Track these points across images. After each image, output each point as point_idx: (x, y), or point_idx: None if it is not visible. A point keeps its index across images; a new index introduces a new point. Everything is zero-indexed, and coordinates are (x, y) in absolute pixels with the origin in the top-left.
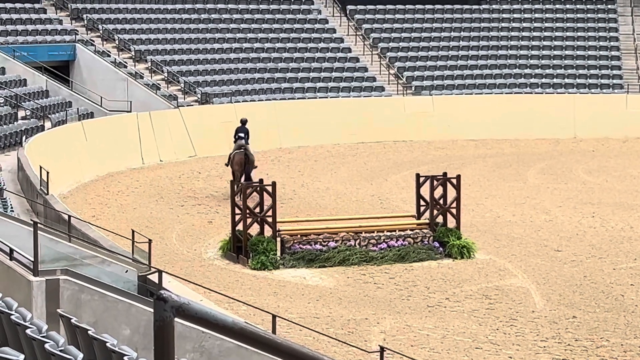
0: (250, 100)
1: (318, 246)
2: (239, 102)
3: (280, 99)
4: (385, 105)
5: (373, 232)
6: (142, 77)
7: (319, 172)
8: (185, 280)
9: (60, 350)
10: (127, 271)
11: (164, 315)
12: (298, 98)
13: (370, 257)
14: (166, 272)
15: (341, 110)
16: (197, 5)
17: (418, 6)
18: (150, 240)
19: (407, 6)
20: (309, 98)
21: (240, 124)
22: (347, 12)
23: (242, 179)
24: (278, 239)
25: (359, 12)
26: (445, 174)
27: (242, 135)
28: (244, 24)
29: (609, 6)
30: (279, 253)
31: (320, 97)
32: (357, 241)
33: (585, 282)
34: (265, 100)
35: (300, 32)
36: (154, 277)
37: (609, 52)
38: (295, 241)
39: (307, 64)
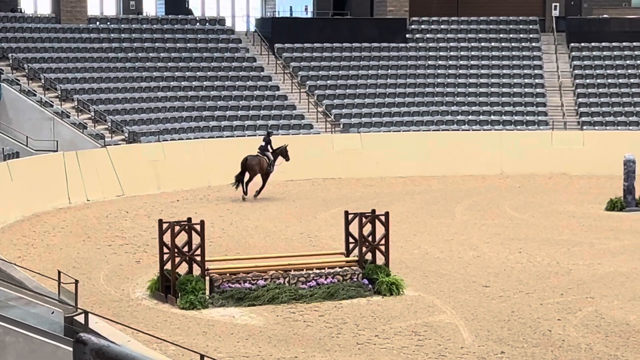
0: (179, 139)
1: (247, 285)
2: (166, 140)
3: (209, 137)
4: (314, 142)
5: (302, 270)
6: (68, 117)
7: (247, 210)
8: (113, 320)
9: None
10: (53, 312)
11: (83, 358)
12: (226, 136)
13: (300, 295)
14: (93, 313)
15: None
16: (124, 44)
17: (345, 44)
18: (76, 280)
19: (334, 44)
20: (237, 136)
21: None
22: (275, 50)
23: (244, 182)
24: (207, 278)
25: (286, 50)
26: (373, 211)
27: (262, 144)
28: (171, 62)
29: (534, 44)
30: (207, 292)
31: (248, 135)
32: (287, 279)
33: (513, 317)
34: (194, 138)
35: (228, 71)
36: (81, 318)
37: (534, 89)
38: (224, 280)
39: (235, 102)
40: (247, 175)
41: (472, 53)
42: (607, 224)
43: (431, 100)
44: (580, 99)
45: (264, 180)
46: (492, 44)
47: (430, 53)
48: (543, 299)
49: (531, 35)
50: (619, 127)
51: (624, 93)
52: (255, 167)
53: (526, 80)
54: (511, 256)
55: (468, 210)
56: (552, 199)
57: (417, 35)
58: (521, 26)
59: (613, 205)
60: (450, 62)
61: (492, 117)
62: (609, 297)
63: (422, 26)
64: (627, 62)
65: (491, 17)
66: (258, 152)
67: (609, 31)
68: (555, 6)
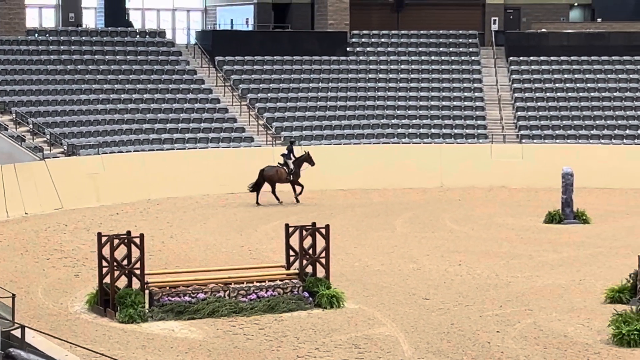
0: (118, 152)
1: (187, 298)
2: (106, 153)
3: (149, 150)
4: (255, 155)
5: (242, 283)
6: (6, 129)
7: (188, 224)
8: (51, 335)
9: None
10: None
11: None
12: (167, 149)
13: (240, 308)
14: (30, 328)
15: (210, 161)
16: (63, 56)
17: (286, 57)
18: (13, 294)
19: (275, 57)
20: (177, 149)
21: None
22: (216, 63)
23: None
24: (146, 292)
25: (227, 63)
26: (314, 224)
27: (285, 152)
28: (111, 74)
29: (473, 58)
30: (147, 305)
31: (189, 148)
32: (227, 292)
33: (453, 329)
34: (134, 151)
35: (169, 83)
36: (18, 333)
37: (473, 102)
38: (163, 293)
39: (175, 114)
40: (267, 186)
41: (412, 67)
42: (545, 237)
43: (372, 113)
44: (519, 113)
45: (293, 186)
46: (432, 57)
47: (371, 66)
48: (482, 311)
49: (471, 49)
50: (557, 141)
51: (562, 107)
52: (273, 177)
53: (466, 94)
54: (451, 269)
55: (408, 223)
56: (491, 212)
57: (358, 49)
58: (461, 40)
59: (551, 218)
60: (390, 76)
61: (432, 131)
62: (547, 309)
63: (363, 39)
64: (565, 76)
65: (431, 31)
66: (278, 163)
67: (547, 45)
68: (495, 20)
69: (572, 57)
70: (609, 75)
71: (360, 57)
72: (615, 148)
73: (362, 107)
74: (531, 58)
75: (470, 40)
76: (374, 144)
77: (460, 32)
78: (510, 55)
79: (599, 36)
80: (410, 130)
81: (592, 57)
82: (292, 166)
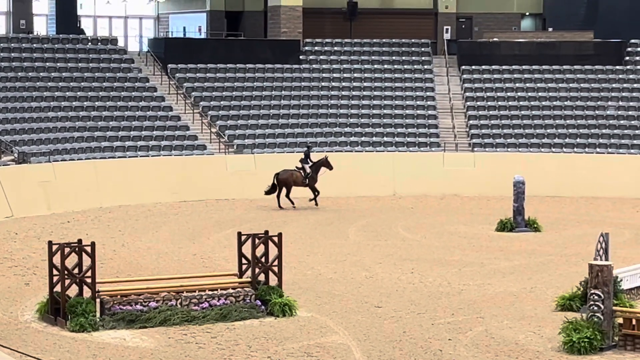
0: (70, 159)
1: (139, 307)
2: (57, 161)
3: (100, 158)
4: (207, 163)
5: (195, 291)
6: None
7: (140, 232)
8: (0, 345)
9: None
10: None
11: None
12: (119, 157)
13: (192, 317)
14: None
15: (162, 169)
16: (14, 63)
17: (239, 65)
18: None
19: (228, 65)
20: (129, 157)
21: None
22: (168, 70)
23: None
24: (97, 300)
25: (179, 71)
26: (266, 232)
27: (302, 157)
28: (62, 82)
29: (426, 67)
30: (98, 314)
31: (141, 156)
32: (179, 301)
33: (405, 337)
34: (85, 159)
35: (121, 91)
36: None
37: (426, 111)
38: (115, 302)
39: (127, 122)
40: (284, 190)
41: (365, 75)
42: (497, 245)
43: (325, 121)
44: (471, 121)
45: (312, 190)
46: (385, 66)
47: (324, 75)
48: (434, 319)
49: (423, 58)
50: (509, 149)
51: (513, 115)
52: (287, 180)
53: (418, 102)
54: (403, 277)
55: (361, 231)
56: (443, 220)
57: (311, 57)
58: (413, 49)
59: (503, 226)
60: (343, 84)
61: (385, 139)
62: (499, 316)
63: (316, 48)
64: (517, 85)
65: (384, 40)
66: (295, 167)
67: (499, 54)
68: (447, 29)
69: (524, 66)
70: (559, 85)
71: (313, 66)
72: (566, 156)
73: (315, 115)
74: (483, 67)
75: (422, 49)
76: (327, 152)
77: (413, 40)
78: (463, 64)
79: (550, 45)
80: (363, 139)
81: (543, 66)
82: (308, 170)
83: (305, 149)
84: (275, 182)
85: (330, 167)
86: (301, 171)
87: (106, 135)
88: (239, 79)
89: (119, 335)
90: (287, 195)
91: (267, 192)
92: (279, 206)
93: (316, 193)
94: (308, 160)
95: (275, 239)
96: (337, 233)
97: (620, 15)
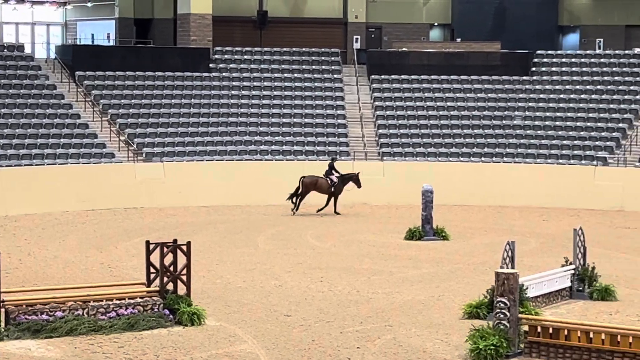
0: None
1: (45, 316)
2: None
3: (6, 166)
4: (116, 171)
5: (102, 300)
6: None
7: (46, 240)
8: None
9: None
10: None
11: None
12: (25, 165)
13: (99, 327)
14: None
15: (70, 177)
16: None
17: (148, 73)
18: None
19: (137, 73)
20: (36, 165)
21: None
22: (76, 78)
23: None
24: (2, 310)
25: (88, 78)
26: (175, 240)
27: (327, 169)
28: None
29: (336, 76)
30: (2, 324)
31: (48, 164)
32: (86, 310)
33: (314, 346)
34: None
35: (27, 98)
36: None
37: (335, 120)
38: (20, 312)
39: (34, 130)
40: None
41: (275, 84)
42: (406, 253)
43: (235, 130)
44: (380, 130)
45: (328, 200)
46: (295, 74)
47: (234, 83)
48: (343, 328)
49: (333, 67)
50: (418, 158)
51: (422, 125)
52: (309, 186)
53: (328, 111)
54: (312, 285)
55: (271, 239)
56: (353, 229)
57: (221, 65)
58: (323, 58)
59: (412, 235)
60: (253, 92)
61: (295, 147)
62: (407, 324)
63: (226, 56)
64: (426, 94)
65: (294, 49)
66: (323, 175)
67: (408, 64)
68: (357, 39)
69: (432, 76)
70: (467, 94)
71: (223, 74)
72: (474, 166)
73: (225, 124)
74: (392, 76)
75: (332, 58)
76: (236, 160)
77: (323, 50)
78: (372, 74)
79: (458, 56)
80: (273, 147)
81: (452, 76)
82: (335, 180)
83: (330, 160)
84: (300, 184)
85: (359, 185)
86: (327, 179)
87: (12, 143)
88: (148, 86)
89: (24, 345)
90: (301, 198)
91: (291, 197)
92: (296, 209)
93: (334, 205)
94: (333, 171)
95: (184, 247)
96: (246, 242)
97: (527, 26)
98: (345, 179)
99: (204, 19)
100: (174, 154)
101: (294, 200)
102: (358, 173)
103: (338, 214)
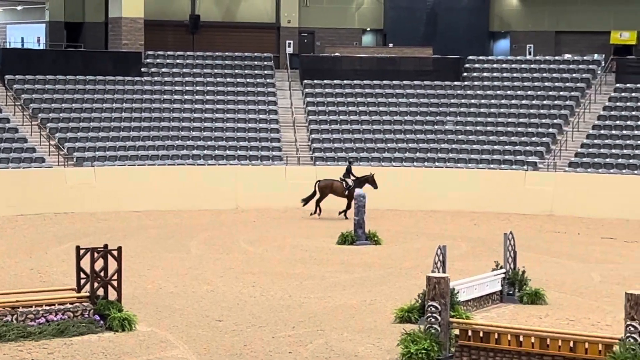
0: None
1: None
2: None
3: None
4: (46, 176)
5: (31, 306)
6: None
7: None
8: None
9: None
10: None
11: None
12: None
13: (28, 333)
14: None
15: None
16: None
17: (79, 77)
18: None
19: (67, 77)
20: None
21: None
22: (5, 81)
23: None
24: None
25: (17, 82)
26: (106, 245)
27: (344, 172)
28: None
29: (268, 80)
30: None
31: None
32: (15, 316)
33: (246, 351)
34: None
35: None
36: None
37: (268, 124)
38: None
39: None
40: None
41: (208, 88)
42: (338, 258)
43: (167, 134)
44: (313, 135)
45: (348, 203)
46: (228, 79)
47: (166, 87)
48: (275, 332)
49: (266, 72)
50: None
51: (355, 130)
52: (325, 189)
53: (261, 116)
54: (245, 290)
55: (203, 244)
56: (285, 233)
57: (153, 69)
58: (256, 62)
59: (344, 239)
60: (186, 97)
61: (228, 152)
62: (339, 329)
63: (158, 60)
64: (358, 99)
65: (226, 53)
66: (339, 178)
67: (340, 69)
68: (290, 44)
69: (365, 81)
70: (399, 100)
71: (155, 78)
72: (406, 170)
73: (157, 128)
74: (325, 81)
75: (265, 63)
76: (169, 165)
77: (256, 54)
78: (305, 78)
79: (390, 61)
80: (206, 152)
81: (384, 82)
82: (350, 183)
83: (347, 163)
84: (315, 189)
85: (375, 186)
86: (342, 182)
87: None
88: (78, 90)
89: None
90: (319, 201)
91: (306, 201)
92: (313, 213)
93: (350, 206)
94: (350, 174)
95: (115, 252)
96: (178, 246)
97: (458, 32)
98: (360, 181)
99: (136, 22)
100: (105, 159)
101: (313, 204)
102: (373, 174)
103: (346, 218)
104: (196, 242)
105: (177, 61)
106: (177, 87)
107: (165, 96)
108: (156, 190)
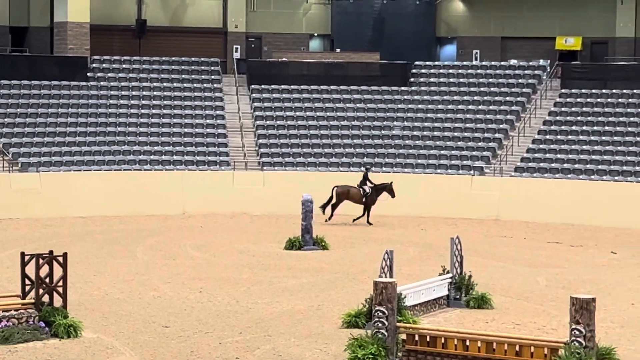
0: None
1: None
2: None
3: None
4: None
5: None
6: None
7: None
8: None
9: None
10: None
11: None
12: None
13: None
14: None
15: None
16: None
17: (24, 82)
18: None
19: (12, 82)
20: None
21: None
22: None
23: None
24: None
25: None
26: (51, 252)
27: (361, 179)
28: None
29: (215, 85)
30: None
31: None
32: None
33: (192, 357)
34: None
35: None
36: None
37: (215, 129)
38: None
39: None
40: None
41: (155, 93)
42: (285, 263)
43: (113, 139)
44: (260, 140)
45: (364, 210)
46: (174, 84)
47: (112, 92)
48: (222, 338)
49: (213, 77)
50: (298, 168)
51: (302, 135)
52: (341, 195)
53: (208, 121)
54: (191, 296)
55: (150, 250)
56: (233, 239)
57: (99, 74)
58: (203, 67)
59: (292, 244)
60: (132, 102)
61: (175, 157)
62: (286, 334)
63: (104, 65)
64: (306, 104)
65: (173, 58)
66: (357, 185)
67: (288, 74)
68: (237, 48)
69: (312, 86)
70: (347, 104)
71: (101, 83)
72: (353, 175)
73: (103, 133)
74: (272, 86)
75: (212, 68)
76: (115, 170)
77: (203, 59)
78: (252, 84)
79: (337, 66)
80: (153, 157)
81: (331, 87)
82: (367, 190)
83: (364, 170)
84: (332, 194)
85: (393, 195)
86: (360, 189)
87: None
88: (24, 95)
89: None
90: (334, 207)
91: (324, 207)
92: (330, 217)
93: (367, 214)
94: (366, 181)
95: (60, 259)
96: (125, 252)
97: (405, 37)
98: (378, 189)
99: (82, 27)
100: (50, 164)
101: (328, 209)
102: (391, 183)
103: (370, 224)
104: (143, 247)
105: (124, 66)
106: (123, 92)
107: (111, 101)
108: (102, 195)
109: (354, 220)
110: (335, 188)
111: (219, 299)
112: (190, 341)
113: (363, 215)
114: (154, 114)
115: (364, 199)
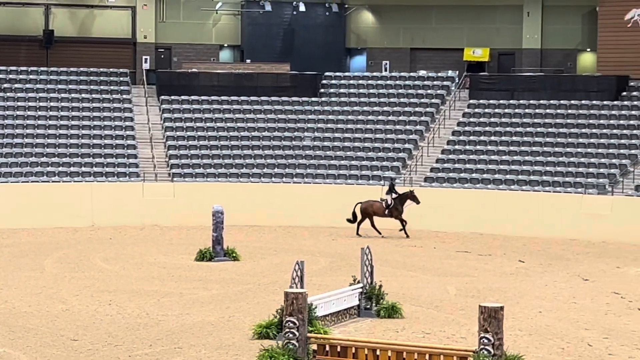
0: None
1: None
2: None
3: None
4: None
5: None
6: None
7: None
8: None
9: None
10: None
11: None
12: None
13: None
14: None
15: None
16: None
17: None
18: None
19: None
20: None
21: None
22: None
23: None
24: None
25: None
26: None
27: (387, 190)
28: None
29: (125, 96)
30: None
31: None
32: None
33: None
34: None
35: None
36: None
37: (125, 140)
38: None
39: None
40: (364, 219)
41: (62, 104)
42: (196, 274)
43: (20, 151)
44: (170, 151)
45: (399, 220)
46: (83, 95)
47: (19, 103)
48: (132, 351)
49: (122, 88)
50: (209, 179)
51: (213, 145)
52: (367, 210)
53: (117, 132)
54: (101, 308)
55: (58, 263)
56: (143, 251)
57: (5, 85)
58: (112, 78)
59: (202, 256)
60: (39, 113)
61: (83, 169)
62: (197, 346)
63: (10, 76)
64: (216, 115)
65: (81, 69)
66: (380, 198)
67: (198, 85)
68: (146, 59)
69: (223, 97)
70: (257, 115)
71: (8, 94)
72: (264, 186)
73: (10, 145)
74: (182, 97)
75: (121, 79)
76: (22, 182)
77: (111, 70)
78: (162, 94)
79: (248, 77)
80: (60, 169)
81: (242, 97)
82: (390, 201)
83: (390, 182)
84: (355, 211)
85: (417, 201)
86: (383, 202)
87: None
88: None
89: None
90: (372, 225)
91: (350, 220)
92: (357, 233)
93: (404, 223)
94: (393, 192)
95: None
96: (32, 265)
97: (315, 48)
98: (402, 198)
99: None
100: None
101: (357, 227)
102: (412, 190)
103: (407, 236)
104: (51, 260)
105: (31, 77)
106: (30, 103)
107: (18, 112)
108: (9, 208)
109: (405, 233)
110: (359, 204)
111: (128, 312)
112: (100, 354)
113: (403, 228)
114: (62, 125)
115: (387, 211)
